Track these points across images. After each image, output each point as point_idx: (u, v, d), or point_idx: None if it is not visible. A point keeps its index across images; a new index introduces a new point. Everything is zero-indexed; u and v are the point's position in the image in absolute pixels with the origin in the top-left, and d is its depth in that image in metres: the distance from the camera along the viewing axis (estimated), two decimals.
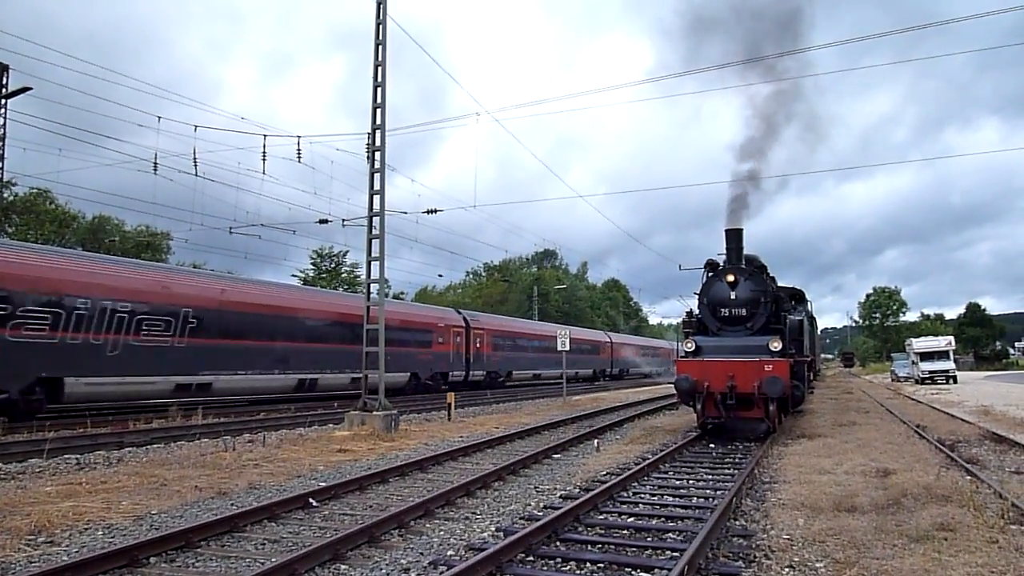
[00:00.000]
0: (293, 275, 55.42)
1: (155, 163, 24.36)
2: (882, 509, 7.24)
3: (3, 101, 29.71)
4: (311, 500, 8.11)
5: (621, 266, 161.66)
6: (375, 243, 15.63)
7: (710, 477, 9.95)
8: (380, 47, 15.53)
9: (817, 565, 5.48)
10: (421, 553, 6.07)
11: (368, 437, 13.98)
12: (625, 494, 8.63)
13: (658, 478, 9.85)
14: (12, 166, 31.40)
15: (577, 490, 8.88)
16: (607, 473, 10.12)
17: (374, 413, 15.05)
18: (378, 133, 15.53)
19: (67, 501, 8.15)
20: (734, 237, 15.13)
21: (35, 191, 41.44)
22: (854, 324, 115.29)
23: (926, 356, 43.11)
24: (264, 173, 23.02)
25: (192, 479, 9.62)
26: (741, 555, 5.84)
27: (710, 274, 15.17)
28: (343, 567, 5.69)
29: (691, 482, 9.59)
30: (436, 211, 25.65)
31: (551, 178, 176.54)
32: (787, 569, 5.40)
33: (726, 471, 10.36)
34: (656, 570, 5.44)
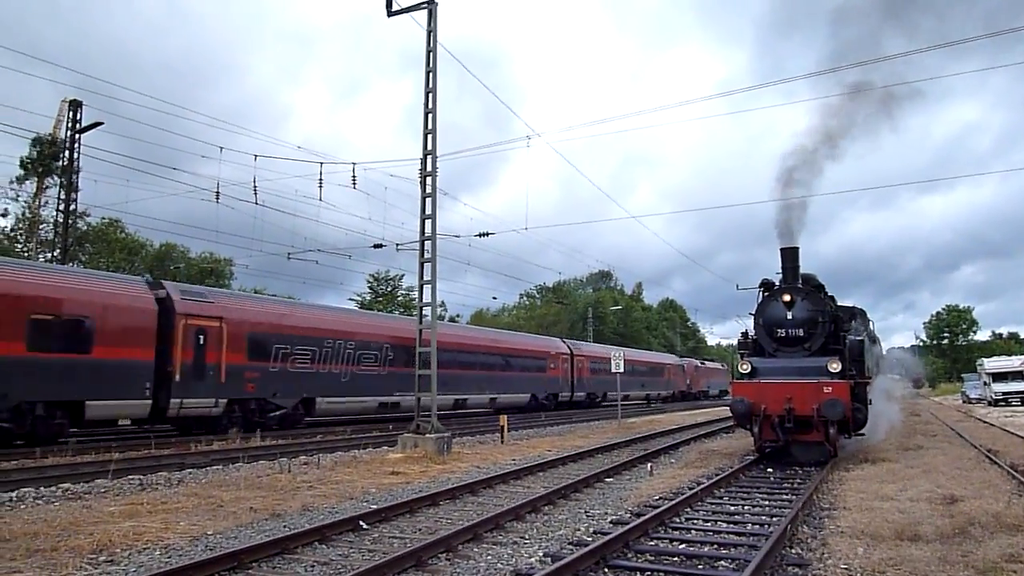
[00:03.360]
0: (351, 299, 56.46)
1: (217, 192, 25.30)
2: (947, 538, 6.93)
3: (77, 136, 31.27)
4: (361, 523, 8.18)
5: (684, 286, 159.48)
6: (427, 266, 15.81)
7: (766, 503, 9.69)
8: (431, 74, 15.81)
9: None
10: None
11: (420, 459, 14.05)
12: (677, 520, 8.46)
13: (712, 503, 9.64)
14: (84, 197, 32.82)
15: (628, 515, 8.73)
16: (660, 498, 9.94)
17: (427, 436, 15.14)
18: (429, 159, 15.75)
19: (128, 521, 8.39)
20: (790, 256, 14.82)
21: (106, 220, 43.27)
22: (921, 344, 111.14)
23: (999, 377, 41.27)
24: (320, 199, 23.61)
25: (248, 500, 9.80)
26: None
27: (766, 294, 14.88)
28: None
29: (746, 508, 9.34)
30: (488, 234, 25.85)
31: (617, 196, 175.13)
32: None
33: (783, 497, 10.08)
34: None
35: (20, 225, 41.12)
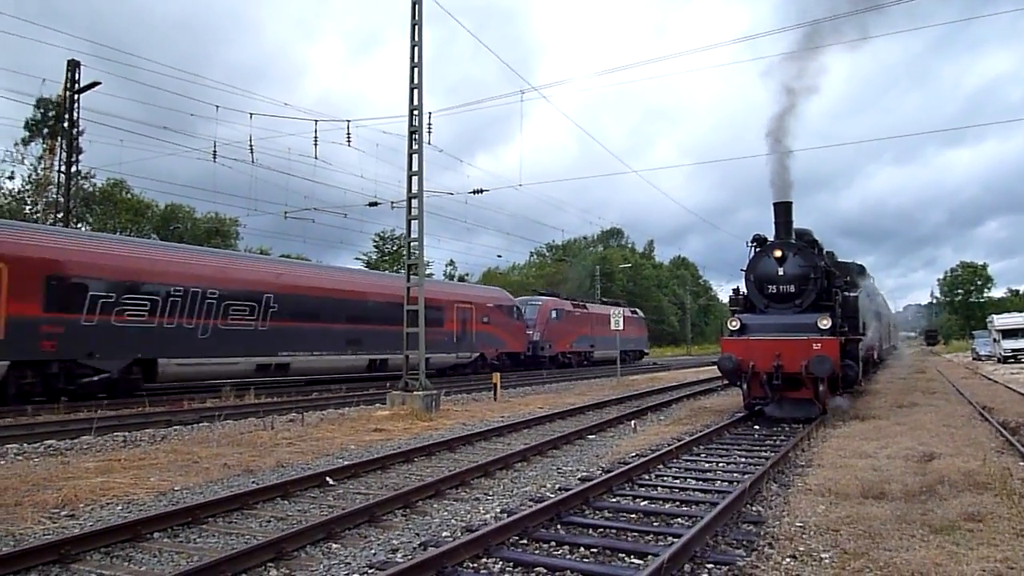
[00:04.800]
0: (357, 258, 56.48)
1: (214, 151, 25.14)
2: (912, 497, 6.81)
3: (76, 95, 31.03)
4: (328, 478, 8.18)
5: (700, 244, 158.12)
6: (415, 224, 15.65)
7: (743, 460, 9.60)
8: (416, 27, 15.44)
9: (823, 555, 5.17)
10: (417, 534, 6.02)
11: (407, 417, 14.08)
12: (646, 477, 8.40)
13: (687, 460, 9.56)
14: (94, 158, 32.90)
15: (599, 472, 8.68)
16: (636, 454, 9.88)
17: (415, 393, 15.15)
18: (415, 114, 15.48)
19: (100, 477, 8.44)
20: (783, 211, 14.51)
21: (111, 181, 43.31)
22: (934, 301, 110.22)
23: (1009, 333, 40.82)
24: (316, 158, 23.39)
25: (225, 457, 9.84)
26: (745, 543, 5.57)
27: (757, 249, 14.62)
28: (335, 546, 5.68)
29: (720, 465, 9.27)
30: (482, 191, 25.59)
31: (636, 152, 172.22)
32: (788, 559, 5.11)
33: (763, 454, 9.98)
34: (649, 556, 5.23)
35: (27, 187, 41.28)
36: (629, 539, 5.84)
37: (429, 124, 19.98)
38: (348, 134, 22.13)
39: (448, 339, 29.41)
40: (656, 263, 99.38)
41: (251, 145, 23.85)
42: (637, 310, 52.94)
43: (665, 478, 8.39)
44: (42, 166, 37.66)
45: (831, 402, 13.46)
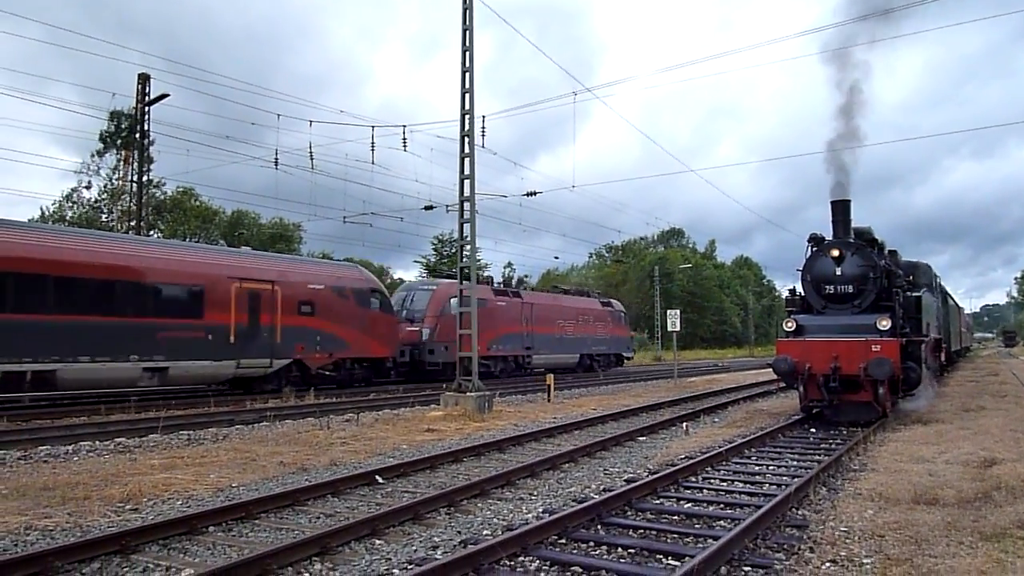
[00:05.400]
0: (416, 260, 57.26)
1: (276, 159, 25.92)
2: (966, 503, 6.61)
3: (147, 108, 32.39)
4: (378, 477, 8.39)
5: (766, 244, 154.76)
6: (467, 227, 15.88)
7: (795, 464, 9.44)
8: (467, 32, 15.66)
9: (864, 561, 5.08)
10: (458, 532, 6.14)
11: (459, 418, 14.27)
12: (693, 479, 8.35)
13: (737, 463, 9.46)
14: (167, 167, 34.31)
15: (646, 473, 8.67)
16: (685, 456, 9.82)
17: (468, 394, 15.34)
18: (467, 118, 15.70)
19: (164, 473, 8.84)
20: (840, 209, 14.18)
21: (181, 189, 45.00)
22: (1013, 300, 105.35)
23: None
24: (373, 163, 23.86)
25: (281, 455, 10.17)
26: (785, 547, 5.51)
27: (814, 249, 14.31)
28: (378, 542, 5.85)
29: (771, 468, 9.14)
30: (534, 193, 25.65)
31: (699, 151, 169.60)
32: (828, 564, 5.05)
33: (815, 458, 9.79)
34: (686, 558, 5.23)
35: (103, 197, 43.26)
36: (668, 541, 5.85)
37: (483, 128, 20.25)
38: (404, 139, 22.52)
39: (216, 337, 18.68)
40: (718, 263, 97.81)
41: (311, 152, 24.49)
42: (614, 301, 41.53)
43: (712, 480, 8.33)
44: (116, 176, 39.48)
45: (908, 403, 13.07)
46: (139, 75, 31.33)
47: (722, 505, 7.11)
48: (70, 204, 42.29)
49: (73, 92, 74.57)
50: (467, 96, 15.94)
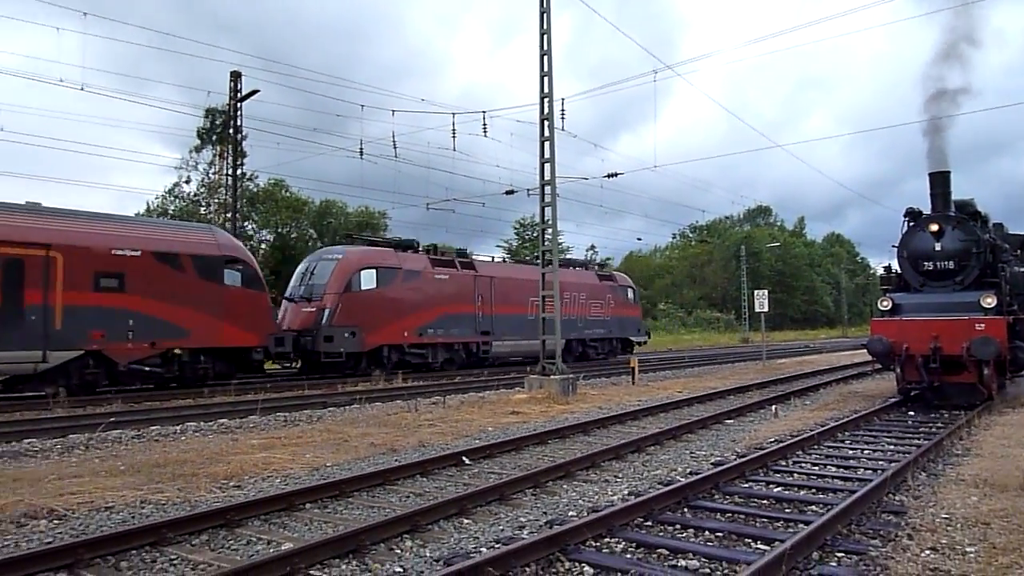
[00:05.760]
0: (498, 245, 57.66)
1: (360, 149, 26.56)
2: None
3: (238, 104, 33.68)
4: (464, 458, 8.57)
5: (860, 219, 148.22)
6: (547, 210, 15.90)
7: (892, 448, 9.09)
8: (545, 15, 15.60)
9: (968, 549, 4.88)
10: (544, 512, 6.22)
11: (544, 400, 14.38)
12: (783, 463, 8.17)
13: (829, 447, 9.19)
14: (261, 160, 35.65)
15: (733, 457, 8.53)
16: (775, 440, 9.60)
17: (552, 377, 15.42)
18: (546, 101, 15.67)
19: (263, 452, 9.28)
20: (939, 181, 13.48)
21: (272, 181, 46.63)
22: None
23: None
24: (454, 150, 24.13)
25: (371, 436, 10.51)
26: (881, 533, 5.34)
27: (911, 223, 13.65)
28: (466, 521, 5.99)
29: (865, 453, 8.83)
30: (616, 175, 25.39)
31: (788, 125, 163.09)
32: (928, 551, 4.86)
33: (914, 442, 9.40)
34: (776, 543, 5.14)
35: (201, 191, 45.31)
36: (757, 525, 5.76)
37: (562, 110, 20.17)
38: (484, 125, 22.66)
39: None
40: (808, 241, 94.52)
41: (394, 141, 24.95)
42: (618, 274, 34.96)
43: (803, 464, 8.12)
44: (213, 170, 41.28)
45: (1016, 385, 12.38)
46: (231, 73, 32.56)
47: (814, 490, 6.94)
48: (172, 198, 44.44)
49: (173, 92, 78.36)
50: (546, 79, 15.89)
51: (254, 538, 5.61)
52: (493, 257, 29.45)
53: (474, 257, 26.84)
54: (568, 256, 36.50)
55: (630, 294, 32.80)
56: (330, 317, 20.45)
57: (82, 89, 21.04)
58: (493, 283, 25.47)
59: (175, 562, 5.08)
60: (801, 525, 5.52)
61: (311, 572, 4.76)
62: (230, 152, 34.34)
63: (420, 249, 24.30)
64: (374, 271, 21.78)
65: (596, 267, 32.38)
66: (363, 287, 21.30)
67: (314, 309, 20.65)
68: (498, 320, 25.30)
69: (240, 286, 18.57)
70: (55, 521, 6.14)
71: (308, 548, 4.91)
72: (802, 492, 6.85)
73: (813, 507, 6.25)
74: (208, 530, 5.72)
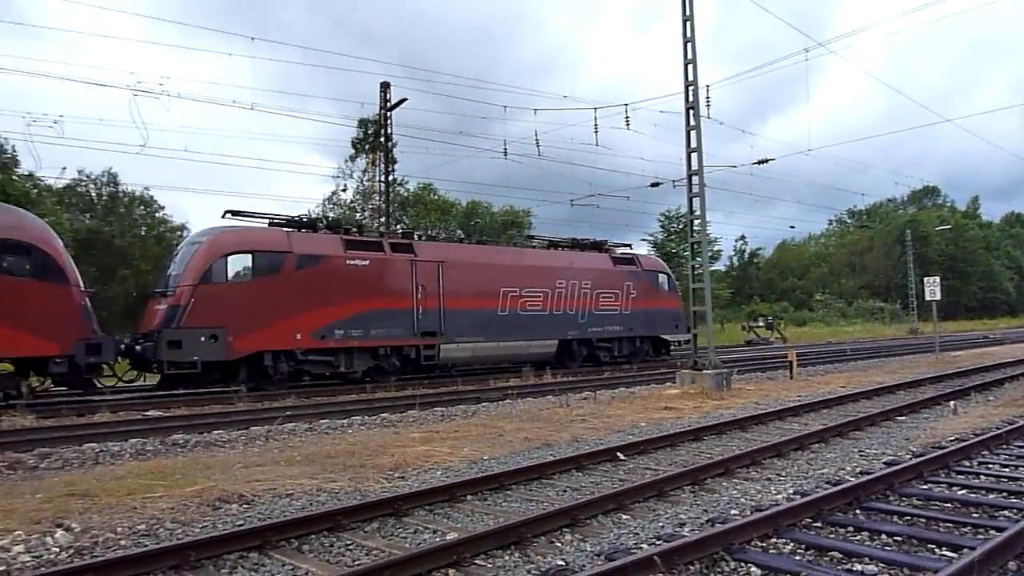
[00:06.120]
0: (643, 239, 56.93)
1: (504, 149, 27.09)
2: None
3: (388, 113, 35.27)
4: (619, 454, 8.55)
5: None
6: (696, 201, 15.52)
7: None
8: (686, 1, 15.22)
9: None
10: (704, 510, 6.10)
11: (696, 395, 14.07)
12: (967, 463, 7.55)
13: (1020, 446, 8.38)
14: (402, 167, 37.25)
15: (908, 456, 7.98)
16: (955, 438, 8.89)
17: (704, 372, 15.05)
18: (691, 90, 15.30)
19: (423, 446, 9.70)
20: None
21: (421, 185, 48.57)
22: None
23: None
24: (597, 145, 24.08)
25: (526, 431, 10.72)
26: None
27: None
28: (624, 516, 5.99)
29: None
30: (765, 161, 24.32)
31: (957, 97, 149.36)
32: None
33: None
34: (964, 550, 4.77)
35: (356, 197, 47.95)
36: (940, 529, 5.37)
37: (707, 97, 19.61)
38: (627, 117, 22.47)
39: None
40: (983, 222, 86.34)
41: (537, 140, 25.24)
42: (644, 256, 29.02)
43: (990, 465, 7.47)
44: (367, 178, 43.54)
45: None
46: (381, 84, 34.17)
47: (1004, 493, 6.36)
48: (331, 206, 47.27)
49: (327, 105, 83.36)
50: (690, 67, 15.52)
51: (420, 527, 5.89)
52: (464, 239, 26.49)
53: (422, 239, 21.82)
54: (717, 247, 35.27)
55: (662, 281, 25.84)
56: (179, 316, 15.99)
57: (252, 108, 22.82)
58: (443, 270, 19.84)
59: (350, 547, 5.42)
60: (992, 531, 5.09)
61: (475, 561, 4.94)
62: (382, 159, 36.06)
63: (333, 228, 19.56)
64: (249, 256, 17.00)
65: (606, 247, 25.78)
66: (230, 277, 16.73)
67: (166, 306, 16.35)
68: (451, 317, 19.78)
69: (27, 278, 14.30)
70: (244, 505, 6.72)
71: (472, 538, 5.10)
72: (990, 495, 6.30)
73: (1006, 512, 5.74)
74: (379, 518, 6.05)
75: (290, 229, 18.47)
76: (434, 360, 19.60)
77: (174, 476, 7.81)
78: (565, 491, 7.05)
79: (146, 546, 5.34)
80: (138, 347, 15.86)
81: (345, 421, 12.28)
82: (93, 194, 42.89)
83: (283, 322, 16.96)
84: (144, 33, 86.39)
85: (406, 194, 48.24)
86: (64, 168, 54.11)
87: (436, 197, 49.82)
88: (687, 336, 23.00)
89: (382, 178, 36.33)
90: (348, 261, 18.26)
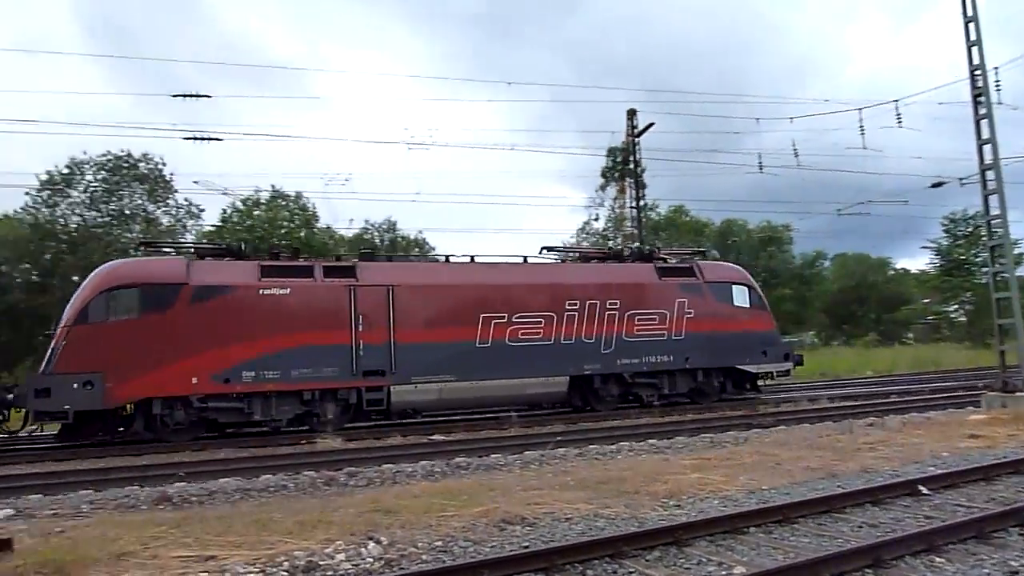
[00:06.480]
0: (924, 247, 51.18)
1: (759, 163, 26.06)
2: None
3: (636, 139, 35.54)
4: (921, 487, 7.66)
5: None
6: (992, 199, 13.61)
7: None
8: None
9: None
10: None
11: (1009, 422, 12.17)
12: None
13: None
14: (652, 192, 37.30)
15: None
16: None
17: (1018, 394, 13.03)
18: (977, 75, 13.52)
19: (696, 473, 9.45)
20: None
21: (673, 208, 48.18)
22: None
23: None
24: (864, 148, 22.25)
25: (805, 460, 10.01)
26: None
27: None
28: (937, 559, 5.32)
29: None
30: None
31: None
32: None
33: None
34: None
35: (608, 225, 48.83)
36: None
37: (997, 81, 17.21)
38: (898, 114, 20.45)
39: None
40: None
41: (795, 149, 23.94)
42: (712, 264, 22.74)
43: None
44: (617, 205, 44.13)
45: None
46: (627, 111, 34.63)
47: None
48: (584, 235, 48.52)
49: (574, 138, 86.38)
50: (974, 49, 13.75)
51: (704, 559, 5.71)
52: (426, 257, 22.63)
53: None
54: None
55: (738, 295, 19.72)
56: (48, 361, 14.51)
57: (512, 149, 24.26)
58: (394, 295, 16.34)
59: (632, 575, 5.42)
60: None
61: None
62: (632, 186, 36.35)
63: (249, 254, 17.19)
64: (135, 292, 14.96)
65: (648, 252, 20.80)
66: (111, 316, 14.70)
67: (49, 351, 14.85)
68: (405, 352, 16.26)
69: None
70: (527, 527, 7.00)
71: (762, 574, 4.85)
72: None
73: None
74: (659, 547, 5.98)
75: (195, 259, 16.29)
76: (382, 405, 16.31)
77: (461, 496, 8.38)
78: (860, 527, 6.44)
79: (444, 562, 5.77)
80: (10, 396, 14.62)
81: (613, 447, 12.39)
82: (376, 240, 48.22)
83: (175, 364, 14.69)
84: (414, 91, 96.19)
85: (657, 218, 48.08)
86: (351, 219, 61.58)
87: (688, 218, 49.06)
88: (784, 366, 19.45)
89: (633, 204, 36.58)
90: (262, 290, 15.46)
